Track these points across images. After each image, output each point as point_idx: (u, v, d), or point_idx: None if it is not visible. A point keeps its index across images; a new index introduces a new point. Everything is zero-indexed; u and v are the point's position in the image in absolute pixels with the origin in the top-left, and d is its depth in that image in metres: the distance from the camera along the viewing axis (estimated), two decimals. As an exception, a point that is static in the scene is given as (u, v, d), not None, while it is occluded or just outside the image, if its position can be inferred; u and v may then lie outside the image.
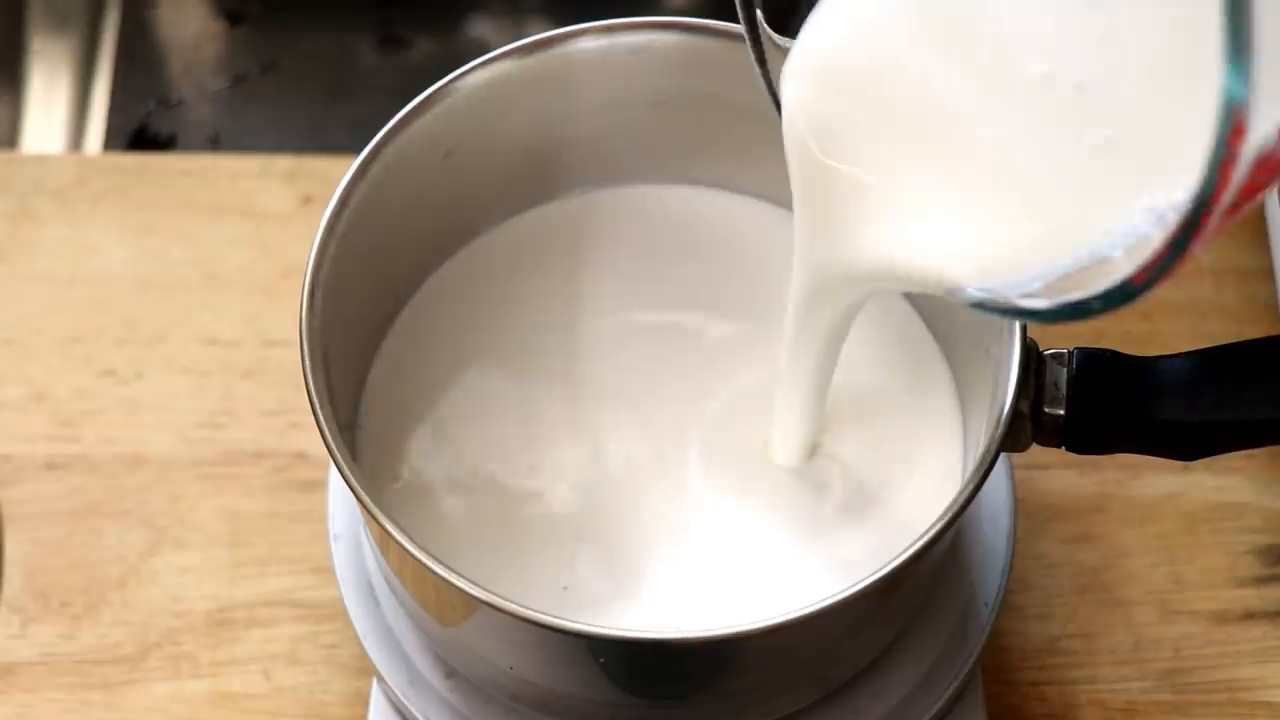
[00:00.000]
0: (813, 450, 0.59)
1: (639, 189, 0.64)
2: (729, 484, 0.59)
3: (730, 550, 0.58)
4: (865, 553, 0.57)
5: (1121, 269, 0.40)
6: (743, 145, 0.61)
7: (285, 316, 0.73)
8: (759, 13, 0.51)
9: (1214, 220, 0.37)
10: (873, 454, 0.59)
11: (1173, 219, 0.38)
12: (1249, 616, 0.67)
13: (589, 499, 0.59)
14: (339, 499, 0.64)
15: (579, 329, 0.62)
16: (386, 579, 0.61)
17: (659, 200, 0.64)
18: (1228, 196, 0.36)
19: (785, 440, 0.58)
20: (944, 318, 0.61)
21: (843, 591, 0.51)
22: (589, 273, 0.63)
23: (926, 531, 0.51)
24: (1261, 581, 0.68)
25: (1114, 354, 0.55)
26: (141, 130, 0.83)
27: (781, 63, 0.49)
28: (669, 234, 0.63)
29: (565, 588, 0.57)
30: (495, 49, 0.59)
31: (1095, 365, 0.55)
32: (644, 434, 0.60)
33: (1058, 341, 0.55)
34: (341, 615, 0.63)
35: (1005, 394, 0.53)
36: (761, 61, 0.52)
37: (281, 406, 0.71)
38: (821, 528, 0.58)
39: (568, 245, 0.63)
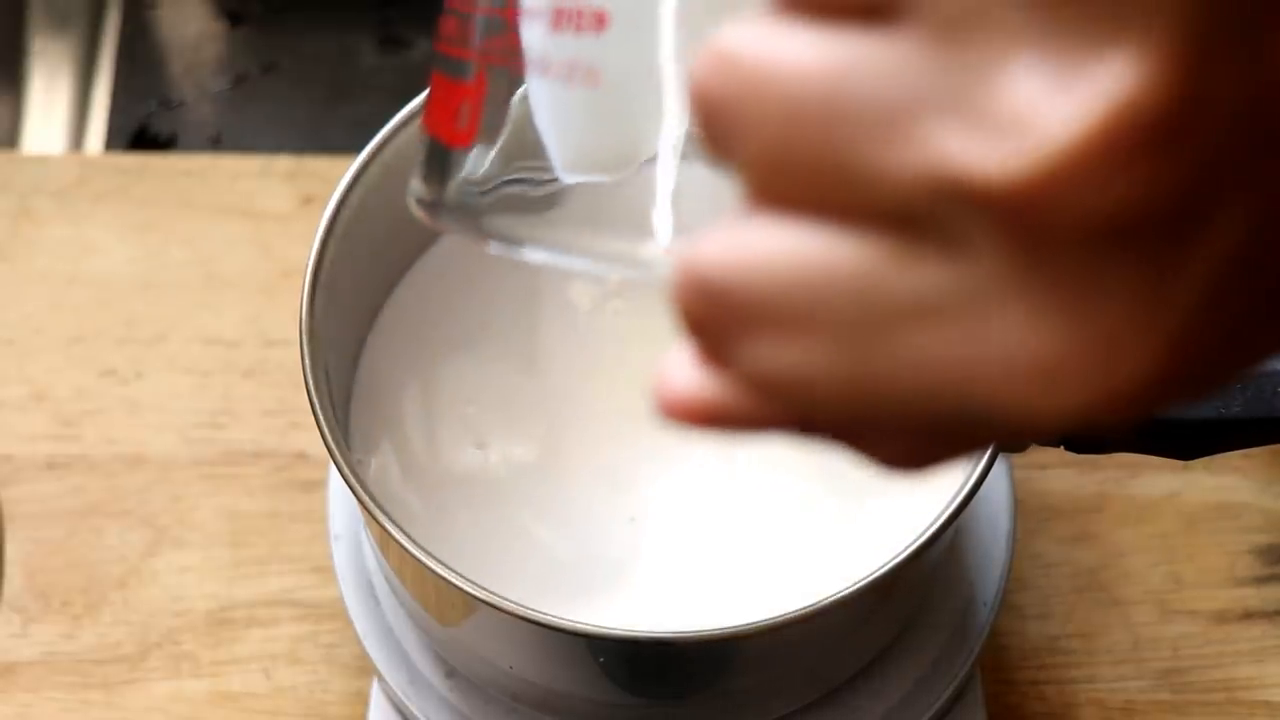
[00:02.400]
0: None
1: None
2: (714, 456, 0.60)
3: (719, 520, 0.58)
4: (862, 545, 0.57)
5: None
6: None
7: (285, 316, 0.73)
8: None
9: None
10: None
11: None
12: (1248, 616, 0.67)
13: (587, 480, 0.59)
14: (339, 498, 0.64)
15: (563, 303, 0.62)
16: (387, 578, 0.61)
17: None
18: None
19: None
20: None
21: (842, 590, 0.51)
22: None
23: (925, 531, 0.52)
24: (1260, 581, 0.68)
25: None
26: (142, 130, 0.83)
27: None
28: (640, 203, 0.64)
29: (562, 570, 0.57)
30: (495, 49, 0.59)
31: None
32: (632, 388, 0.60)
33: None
34: (342, 615, 0.63)
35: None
36: None
37: (282, 406, 0.71)
38: (816, 515, 0.58)
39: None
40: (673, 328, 0.29)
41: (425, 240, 0.63)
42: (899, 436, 0.29)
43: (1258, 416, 0.53)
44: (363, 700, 0.65)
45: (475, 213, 0.37)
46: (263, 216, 0.76)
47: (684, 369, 0.29)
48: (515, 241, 0.36)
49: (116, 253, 0.75)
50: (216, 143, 0.83)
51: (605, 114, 0.35)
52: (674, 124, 0.34)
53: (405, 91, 0.59)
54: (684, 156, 0.34)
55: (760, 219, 0.27)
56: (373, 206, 0.58)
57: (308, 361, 0.54)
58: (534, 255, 0.36)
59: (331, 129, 0.83)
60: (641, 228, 0.34)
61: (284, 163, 0.77)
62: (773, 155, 0.27)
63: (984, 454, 0.53)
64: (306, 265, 0.56)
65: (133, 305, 0.74)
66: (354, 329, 0.61)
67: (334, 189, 0.57)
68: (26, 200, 0.76)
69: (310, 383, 0.54)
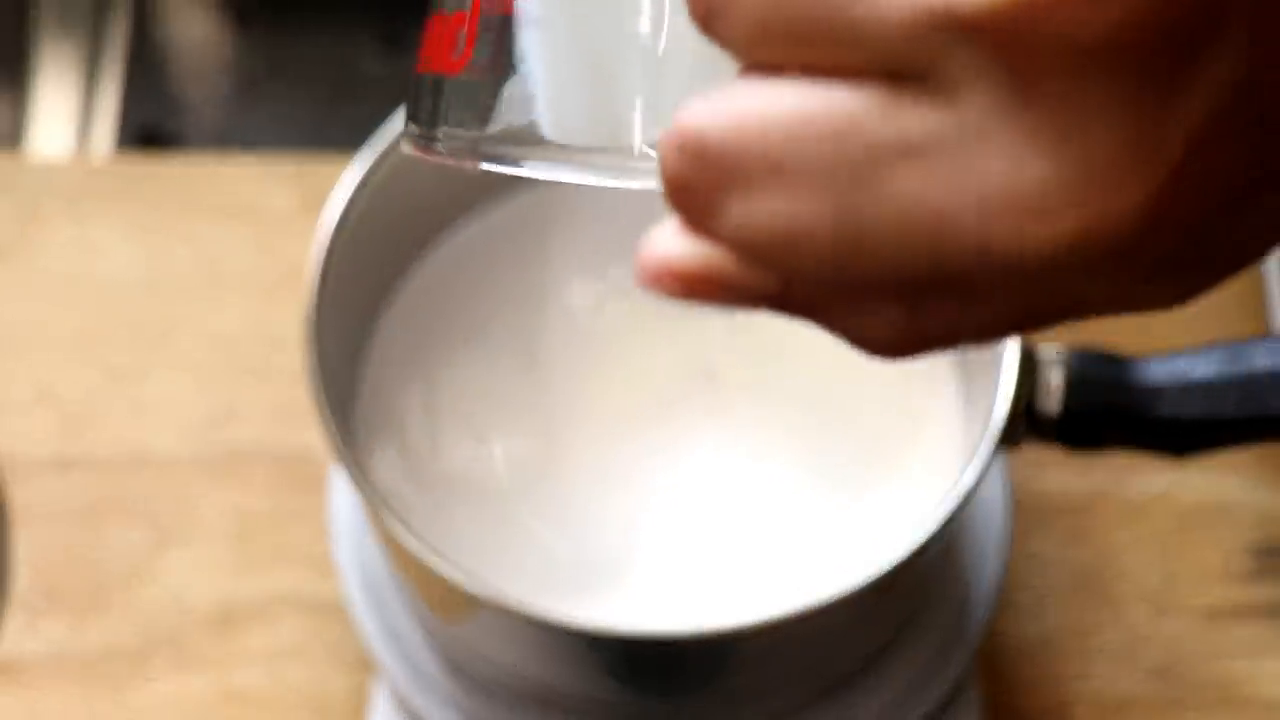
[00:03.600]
0: None
1: None
2: (718, 451, 0.60)
3: (718, 518, 0.58)
4: (861, 544, 0.57)
5: None
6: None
7: (289, 316, 0.73)
8: None
9: None
10: (871, 447, 0.60)
11: None
12: (1242, 613, 0.68)
13: (587, 478, 0.59)
14: (342, 497, 0.64)
15: (564, 302, 0.62)
16: (389, 576, 0.61)
17: None
18: None
19: None
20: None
21: (840, 589, 0.51)
22: (565, 240, 0.63)
23: (924, 529, 0.52)
24: (1254, 578, 0.68)
25: (1108, 353, 0.55)
26: (148, 132, 0.83)
27: None
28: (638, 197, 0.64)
29: (561, 567, 0.58)
30: (496, 51, 0.59)
31: (1090, 364, 0.55)
32: (639, 388, 0.61)
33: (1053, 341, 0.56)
34: (345, 612, 0.63)
35: (1001, 393, 0.54)
36: None
37: (285, 405, 0.71)
38: (814, 514, 0.58)
39: (541, 222, 0.64)
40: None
41: (428, 240, 0.63)
42: (884, 304, 0.28)
43: (1250, 415, 0.54)
44: (366, 696, 0.65)
45: (469, 141, 0.37)
46: (267, 217, 0.76)
47: (669, 237, 0.29)
48: (508, 161, 0.37)
49: (122, 254, 0.75)
50: (221, 144, 0.83)
51: (588, 27, 0.35)
52: (655, 22, 0.34)
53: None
54: (668, 60, 0.34)
55: (748, 82, 0.27)
56: (376, 206, 0.58)
57: (311, 361, 0.55)
58: (525, 171, 0.36)
59: (335, 130, 0.84)
60: (627, 136, 0.34)
61: (288, 164, 0.77)
62: (760, 19, 0.27)
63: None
64: (310, 265, 0.56)
65: (138, 306, 0.74)
66: (357, 328, 0.61)
67: (337, 189, 0.57)
68: (33, 202, 0.76)
69: (313, 381, 0.54)
